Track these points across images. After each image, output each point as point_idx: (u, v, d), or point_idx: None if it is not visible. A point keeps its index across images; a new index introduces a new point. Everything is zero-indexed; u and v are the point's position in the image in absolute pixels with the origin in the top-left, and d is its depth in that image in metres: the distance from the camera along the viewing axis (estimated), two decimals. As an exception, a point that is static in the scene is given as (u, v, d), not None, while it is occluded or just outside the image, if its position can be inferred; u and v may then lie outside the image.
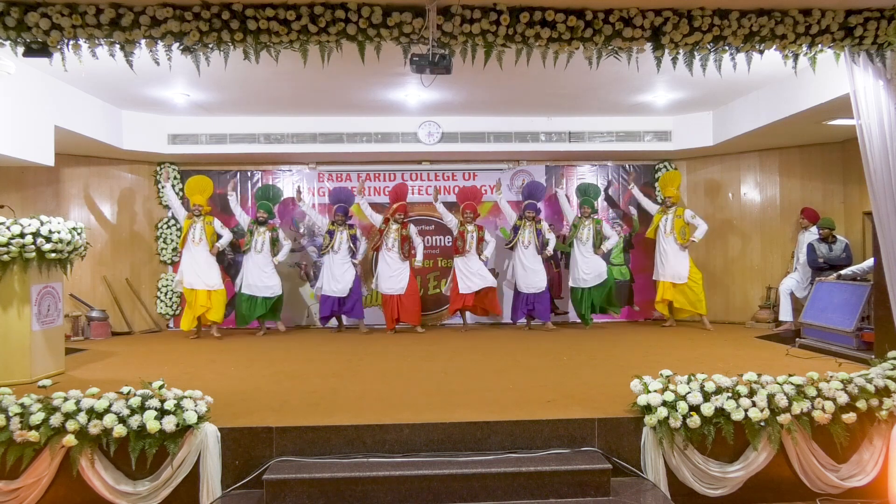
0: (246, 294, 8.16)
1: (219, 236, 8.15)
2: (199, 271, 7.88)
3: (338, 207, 8.42)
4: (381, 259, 8.38)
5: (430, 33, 4.35)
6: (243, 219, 8.40)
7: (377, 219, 8.50)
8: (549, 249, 8.45)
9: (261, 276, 8.14)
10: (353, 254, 8.32)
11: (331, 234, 8.35)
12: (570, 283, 8.58)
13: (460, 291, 8.38)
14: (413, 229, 8.49)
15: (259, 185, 9.02)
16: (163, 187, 8.58)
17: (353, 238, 8.37)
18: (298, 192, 8.73)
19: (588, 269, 8.38)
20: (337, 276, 8.24)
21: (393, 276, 8.27)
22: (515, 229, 8.45)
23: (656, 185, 9.30)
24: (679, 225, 8.25)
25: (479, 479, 3.66)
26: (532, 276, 8.30)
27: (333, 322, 8.72)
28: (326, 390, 4.90)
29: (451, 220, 8.48)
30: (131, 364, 6.28)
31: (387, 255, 8.29)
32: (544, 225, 8.50)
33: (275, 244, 8.28)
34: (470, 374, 5.49)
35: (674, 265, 8.24)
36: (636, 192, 8.71)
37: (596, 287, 8.38)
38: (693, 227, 8.26)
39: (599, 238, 8.39)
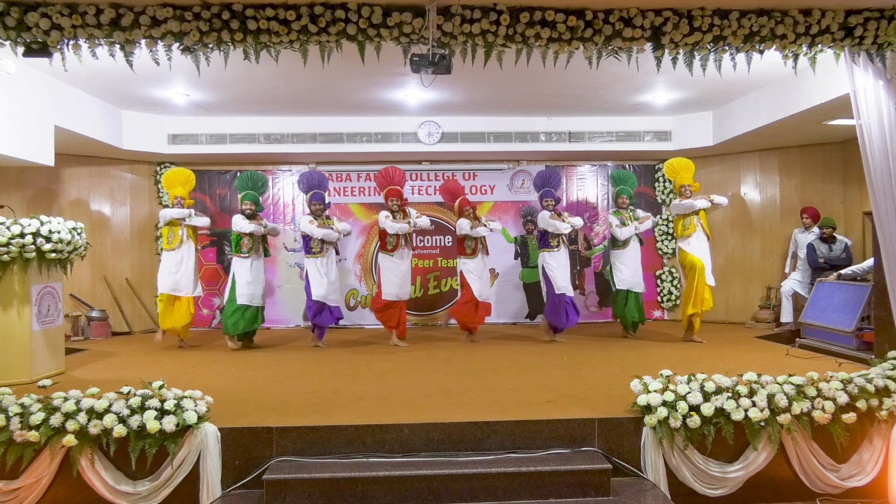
0: (237, 304, 7.07)
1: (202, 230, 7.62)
2: (177, 272, 7.27)
3: (313, 195, 7.17)
4: (383, 259, 7.19)
5: (430, 33, 4.35)
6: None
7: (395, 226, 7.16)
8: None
9: (251, 281, 7.09)
10: (337, 250, 7.29)
11: None
12: (617, 286, 7.52)
13: (479, 300, 7.35)
14: (414, 212, 7.33)
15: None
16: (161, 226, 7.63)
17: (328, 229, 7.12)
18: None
19: (635, 269, 7.43)
20: (331, 279, 7.10)
21: (399, 278, 7.10)
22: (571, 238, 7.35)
23: (655, 184, 9.30)
24: (704, 215, 7.18)
25: (479, 479, 3.66)
26: (565, 276, 7.30)
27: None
28: (326, 390, 4.90)
29: (480, 231, 7.34)
30: (131, 364, 6.29)
31: (394, 253, 7.11)
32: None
33: (263, 240, 7.29)
34: (470, 374, 5.49)
35: (710, 264, 7.07)
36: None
37: (635, 294, 7.46)
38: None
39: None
